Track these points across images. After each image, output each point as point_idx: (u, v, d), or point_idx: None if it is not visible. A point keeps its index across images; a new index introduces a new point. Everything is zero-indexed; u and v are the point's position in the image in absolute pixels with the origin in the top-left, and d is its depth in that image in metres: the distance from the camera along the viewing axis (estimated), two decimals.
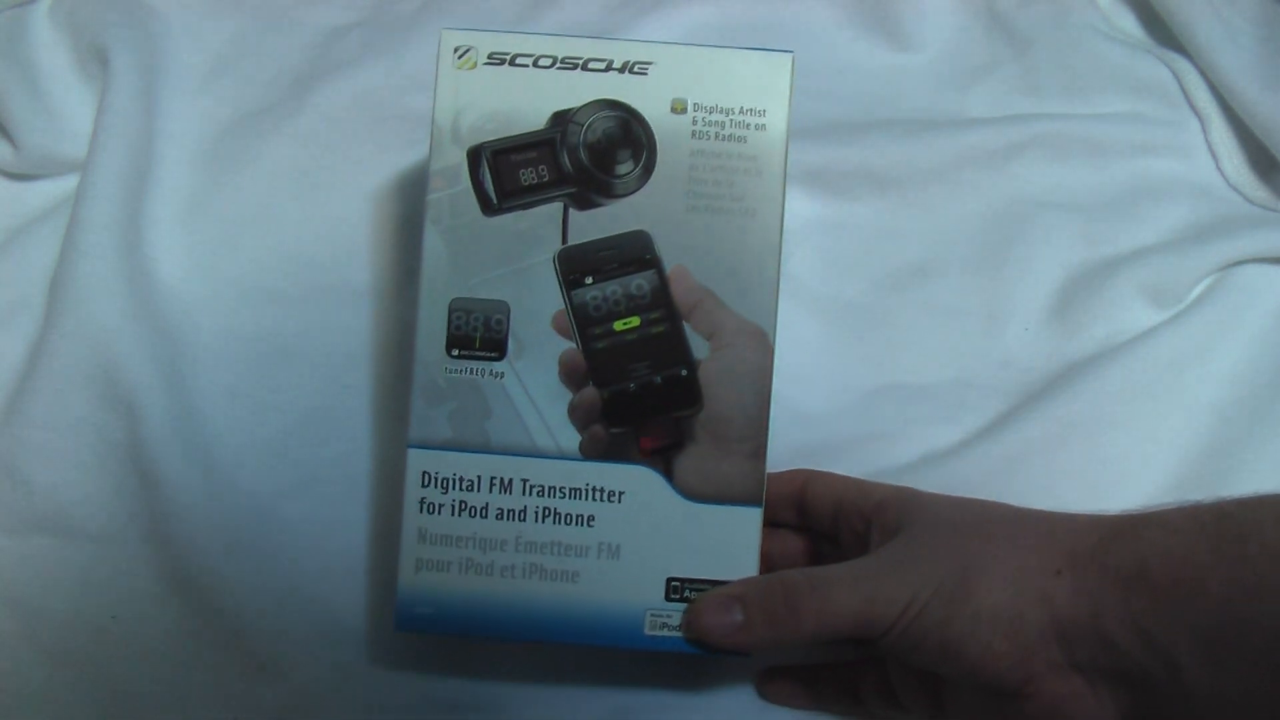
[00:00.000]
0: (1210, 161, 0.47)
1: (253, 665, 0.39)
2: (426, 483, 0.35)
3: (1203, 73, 0.47)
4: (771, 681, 0.39)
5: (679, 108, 0.35)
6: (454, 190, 0.35)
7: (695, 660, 0.39)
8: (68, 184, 0.46)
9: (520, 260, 0.35)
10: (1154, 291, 0.43)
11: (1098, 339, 0.43)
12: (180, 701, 0.39)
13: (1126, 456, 0.41)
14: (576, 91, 0.35)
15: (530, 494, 0.35)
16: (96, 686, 0.39)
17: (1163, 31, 0.49)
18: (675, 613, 0.35)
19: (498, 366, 0.35)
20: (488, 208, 0.35)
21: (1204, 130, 0.47)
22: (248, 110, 0.47)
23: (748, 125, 0.35)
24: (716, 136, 0.35)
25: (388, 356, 0.43)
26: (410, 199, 0.45)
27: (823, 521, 0.37)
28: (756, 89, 0.35)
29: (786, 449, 0.41)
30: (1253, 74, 0.45)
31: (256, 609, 0.39)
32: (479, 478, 0.35)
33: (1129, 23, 0.50)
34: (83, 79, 0.47)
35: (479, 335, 0.35)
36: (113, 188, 0.43)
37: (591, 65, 0.35)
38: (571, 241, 0.35)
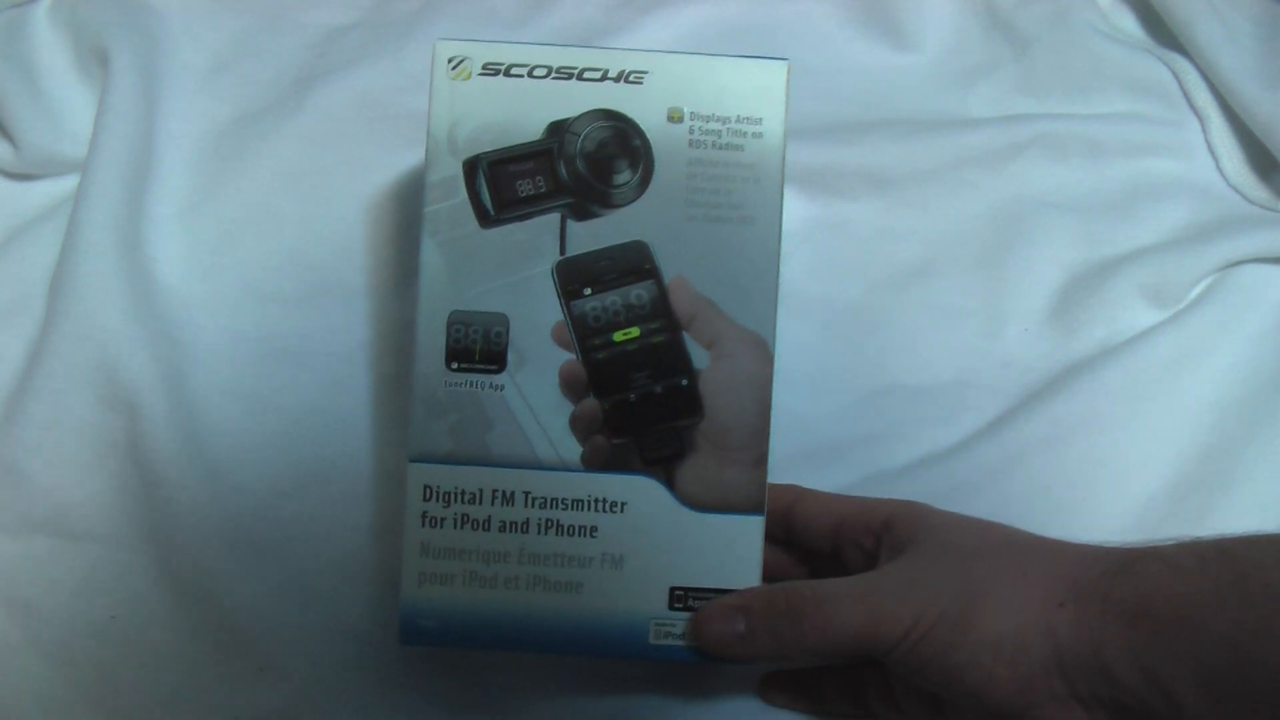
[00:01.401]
0: (1210, 161, 0.47)
1: (253, 665, 0.39)
2: (428, 497, 0.35)
3: (1203, 73, 0.47)
4: (773, 686, 0.39)
5: (676, 117, 0.35)
6: (451, 202, 0.35)
7: (699, 667, 0.39)
8: (68, 184, 0.46)
9: (519, 272, 0.34)
10: (1154, 291, 0.43)
11: (1097, 339, 0.43)
12: (180, 701, 0.39)
13: (1126, 456, 0.41)
14: (573, 101, 0.35)
15: (532, 506, 0.35)
16: (96, 686, 0.39)
17: (1163, 31, 0.49)
18: (679, 622, 0.35)
19: (498, 379, 0.34)
20: (485, 219, 0.34)
21: (1204, 130, 0.47)
22: (248, 110, 0.47)
23: (745, 134, 0.35)
24: (714, 145, 0.35)
25: (388, 356, 0.43)
26: (411, 199, 0.45)
27: (817, 540, 0.37)
28: (753, 97, 0.35)
29: (787, 451, 0.41)
30: (1253, 74, 0.45)
31: (257, 609, 0.39)
32: (480, 490, 0.35)
33: (1129, 23, 0.50)
34: (83, 79, 0.47)
35: (478, 348, 0.34)
36: (113, 188, 0.43)
37: (587, 75, 0.35)
38: (570, 252, 0.35)
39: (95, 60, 0.46)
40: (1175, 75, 0.48)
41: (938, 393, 0.43)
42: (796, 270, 0.44)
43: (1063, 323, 0.43)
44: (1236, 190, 0.46)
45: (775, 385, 0.41)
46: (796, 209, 0.45)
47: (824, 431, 0.42)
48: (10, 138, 0.46)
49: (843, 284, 0.44)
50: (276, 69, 0.47)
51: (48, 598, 0.40)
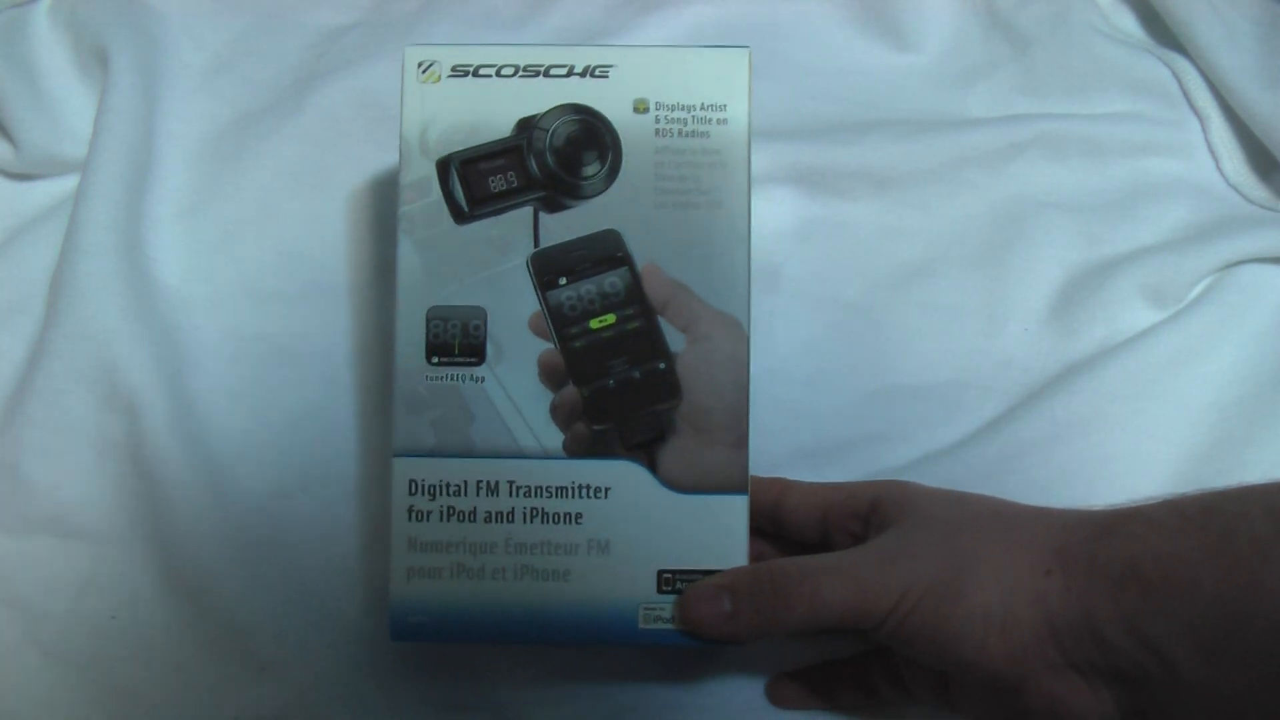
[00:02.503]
0: (1210, 161, 0.47)
1: (253, 665, 0.39)
2: (413, 491, 0.35)
3: (1203, 73, 0.47)
4: (781, 686, 0.39)
5: (641, 107, 0.35)
6: (425, 201, 0.35)
7: (699, 657, 0.39)
8: (68, 184, 0.46)
9: (494, 266, 0.35)
10: (1154, 291, 0.43)
11: (1097, 339, 0.43)
12: (180, 701, 0.39)
13: (1126, 456, 0.41)
14: (540, 98, 0.35)
15: (517, 495, 0.35)
16: (96, 686, 0.39)
17: (1163, 31, 0.49)
18: (668, 605, 0.35)
19: (478, 371, 0.35)
20: (459, 216, 0.35)
21: (1204, 130, 0.47)
22: (247, 110, 0.47)
23: (710, 120, 0.35)
24: (680, 133, 0.35)
25: (387, 355, 0.43)
26: None
27: (806, 531, 0.37)
28: (716, 85, 0.35)
29: (787, 449, 0.41)
30: (1253, 74, 0.45)
31: (256, 609, 0.39)
32: (465, 482, 0.35)
33: (1129, 23, 0.50)
34: (83, 79, 0.47)
35: (458, 341, 0.35)
36: (113, 188, 0.43)
37: (553, 71, 0.35)
38: (544, 244, 0.35)
39: (95, 60, 0.46)
40: (1175, 75, 0.48)
41: (937, 392, 0.43)
42: (797, 270, 0.44)
43: (1062, 322, 0.43)
44: (1236, 190, 0.46)
45: (775, 384, 0.41)
46: (797, 209, 0.45)
47: (824, 430, 0.42)
48: (10, 138, 0.46)
49: (843, 284, 0.44)
50: (276, 69, 0.47)
51: (48, 598, 0.40)
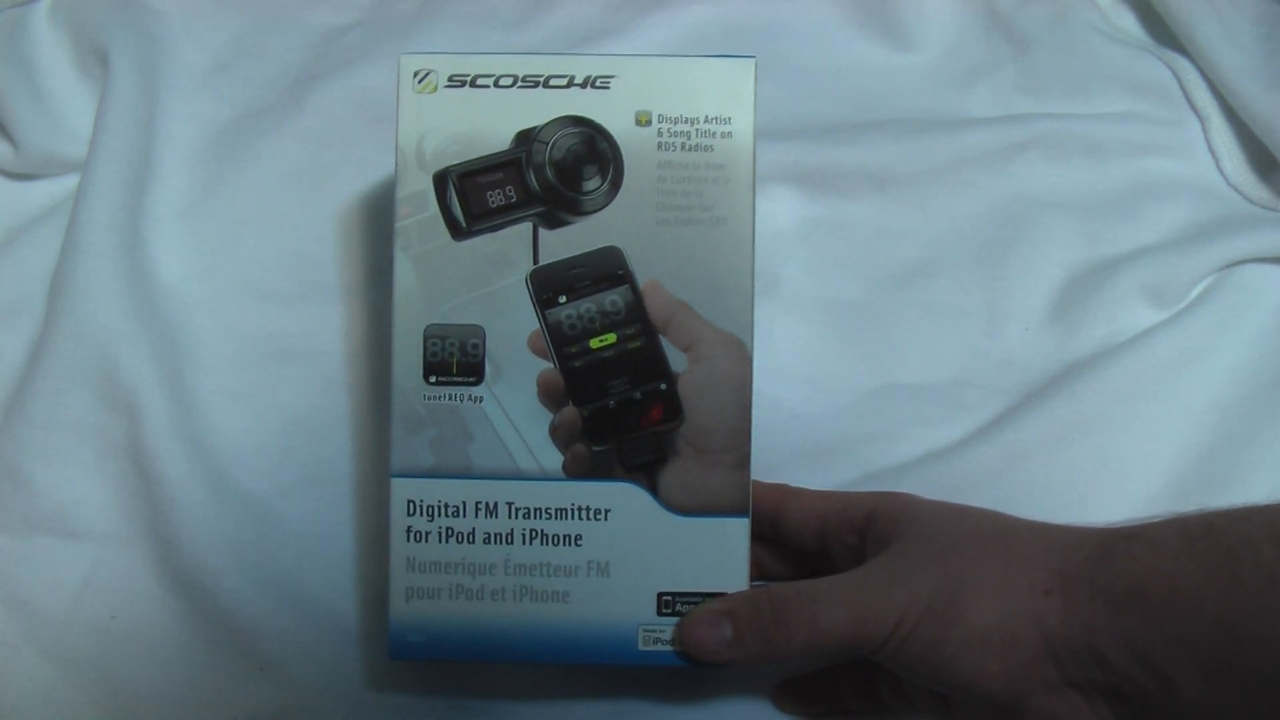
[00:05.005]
0: (1210, 161, 0.47)
1: (253, 665, 0.39)
2: (412, 511, 0.35)
3: (1203, 73, 0.47)
4: (788, 694, 0.38)
5: (643, 120, 0.35)
6: (422, 216, 0.35)
7: (699, 671, 0.39)
8: (68, 184, 0.46)
9: (493, 283, 0.35)
10: (1154, 291, 0.43)
11: (1098, 339, 0.43)
12: (180, 701, 0.39)
13: (1126, 456, 0.41)
14: (539, 109, 0.35)
15: (516, 516, 0.35)
16: (96, 686, 0.39)
17: (1163, 31, 0.49)
18: (668, 627, 0.35)
19: (476, 391, 0.34)
20: (457, 232, 0.35)
21: (1204, 130, 0.47)
22: (248, 110, 0.47)
23: (714, 134, 0.35)
24: (683, 147, 0.35)
25: (386, 356, 0.43)
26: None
27: (805, 539, 0.37)
28: (721, 96, 0.35)
29: (786, 450, 0.41)
30: (1253, 74, 0.45)
31: (256, 609, 0.39)
32: (464, 503, 0.35)
33: (1129, 23, 0.50)
34: (83, 79, 0.47)
35: (456, 360, 0.34)
36: (113, 188, 0.43)
37: (553, 82, 0.35)
38: (543, 261, 0.35)
39: (95, 60, 0.46)
40: (1175, 75, 0.48)
41: (938, 392, 0.43)
42: (796, 270, 0.44)
43: (1063, 322, 0.43)
44: (1236, 190, 0.46)
45: (775, 384, 0.41)
46: (796, 209, 0.45)
47: (824, 431, 0.42)
48: (10, 138, 0.46)
49: (843, 284, 0.44)
50: (276, 69, 0.47)
51: (48, 598, 0.40)
